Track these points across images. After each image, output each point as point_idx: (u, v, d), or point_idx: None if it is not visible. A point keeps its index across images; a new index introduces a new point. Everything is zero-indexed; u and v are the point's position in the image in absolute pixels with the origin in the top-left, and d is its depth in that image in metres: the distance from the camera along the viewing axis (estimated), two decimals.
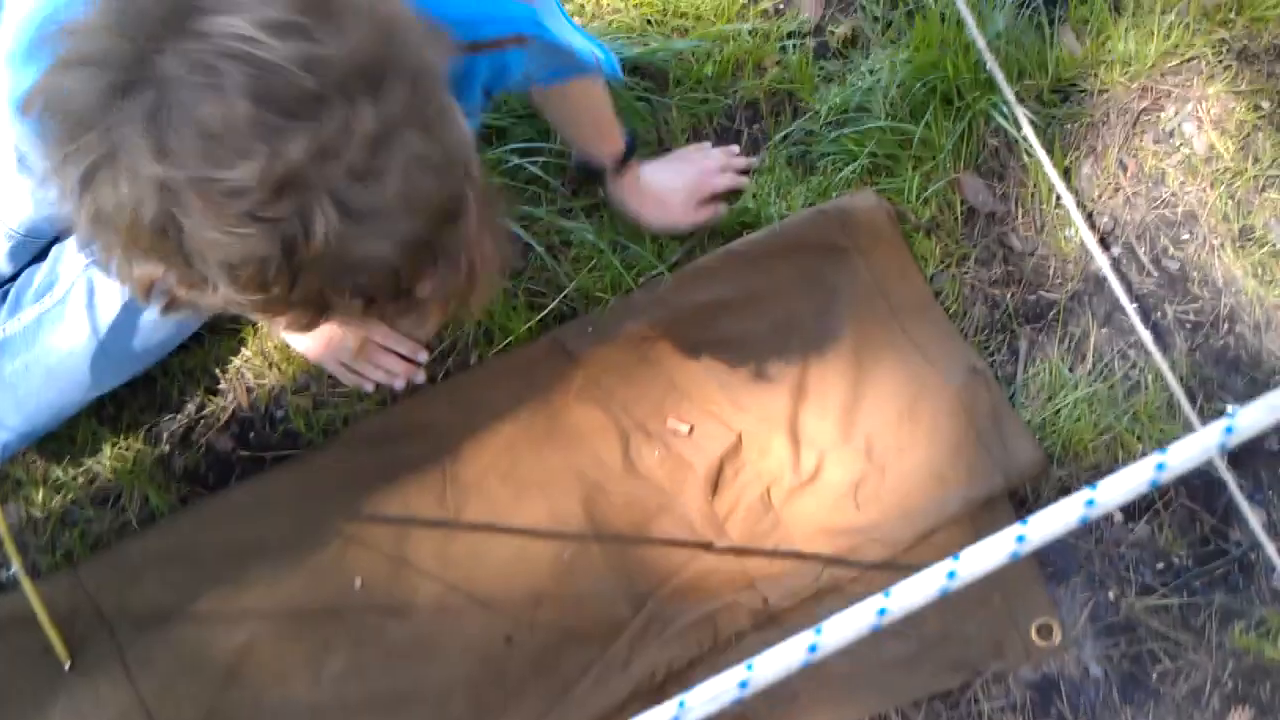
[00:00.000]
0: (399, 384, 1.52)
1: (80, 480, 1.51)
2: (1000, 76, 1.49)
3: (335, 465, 1.51)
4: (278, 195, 0.71)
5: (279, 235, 0.72)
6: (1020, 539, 0.55)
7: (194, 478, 1.52)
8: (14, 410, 1.41)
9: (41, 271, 1.43)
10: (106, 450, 1.51)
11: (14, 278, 1.46)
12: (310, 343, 1.50)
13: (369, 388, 1.52)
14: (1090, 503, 0.56)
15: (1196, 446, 0.58)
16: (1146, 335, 1.52)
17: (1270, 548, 1.43)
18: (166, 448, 1.53)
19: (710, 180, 1.59)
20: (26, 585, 1.39)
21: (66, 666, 1.43)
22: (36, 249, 1.46)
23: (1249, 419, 0.57)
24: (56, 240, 1.45)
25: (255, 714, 1.45)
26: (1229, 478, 1.43)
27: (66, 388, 1.42)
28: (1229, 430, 0.58)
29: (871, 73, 1.65)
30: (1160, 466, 0.56)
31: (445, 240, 0.80)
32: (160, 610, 1.47)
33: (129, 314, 1.41)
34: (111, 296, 1.40)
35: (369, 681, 1.46)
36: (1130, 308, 1.52)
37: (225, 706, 1.45)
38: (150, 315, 1.42)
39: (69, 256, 1.42)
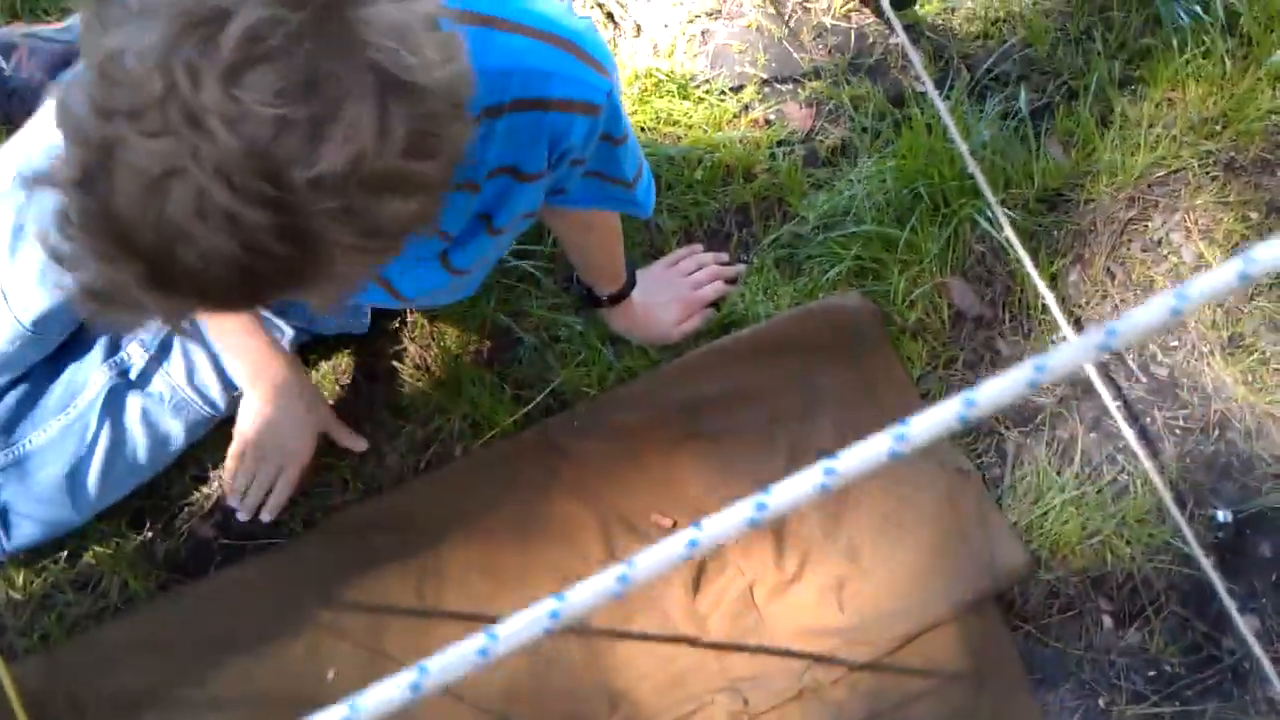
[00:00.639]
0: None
1: (61, 564, 1.51)
2: (983, 181, 1.51)
3: (314, 555, 1.51)
4: None
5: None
6: (900, 437, 0.55)
7: (174, 565, 1.52)
8: (39, 509, 1.47)
9: (61, 383, 1.49)
10: (89, 534, 1.52)
11: (18, 381, 1.51)
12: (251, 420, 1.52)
13: (234, 503, 1.53)
14: (970, 402, 0.55)
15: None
16: (1132, 437, 1.51)
17: (1264, 658, 1.39)
18: (149, 534, 1.53)
19: (698, 294, 1.61)
20: (0, 667, 1.38)
21: None
22: (46, 348, 1.50)
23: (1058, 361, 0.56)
24: (64, 349, 1.52)
25: None
26: (1218, 583, 1.40)
27: (82, 493, 1.49)
28: (1105, 346, 0.57)
29: (859, 180, 1.69)
30: (1039, 368, 0.56)
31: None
32: (133, 697, 1.45)
33: (146, 424, 1.48)
34: (134, 405, 1.46)
35: None
36: (1116, 410, 1.52)
37: None
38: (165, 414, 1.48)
39: (90, 368, 1.48)
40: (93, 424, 1.47)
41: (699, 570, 1.52)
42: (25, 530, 1.47)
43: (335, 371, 1.60)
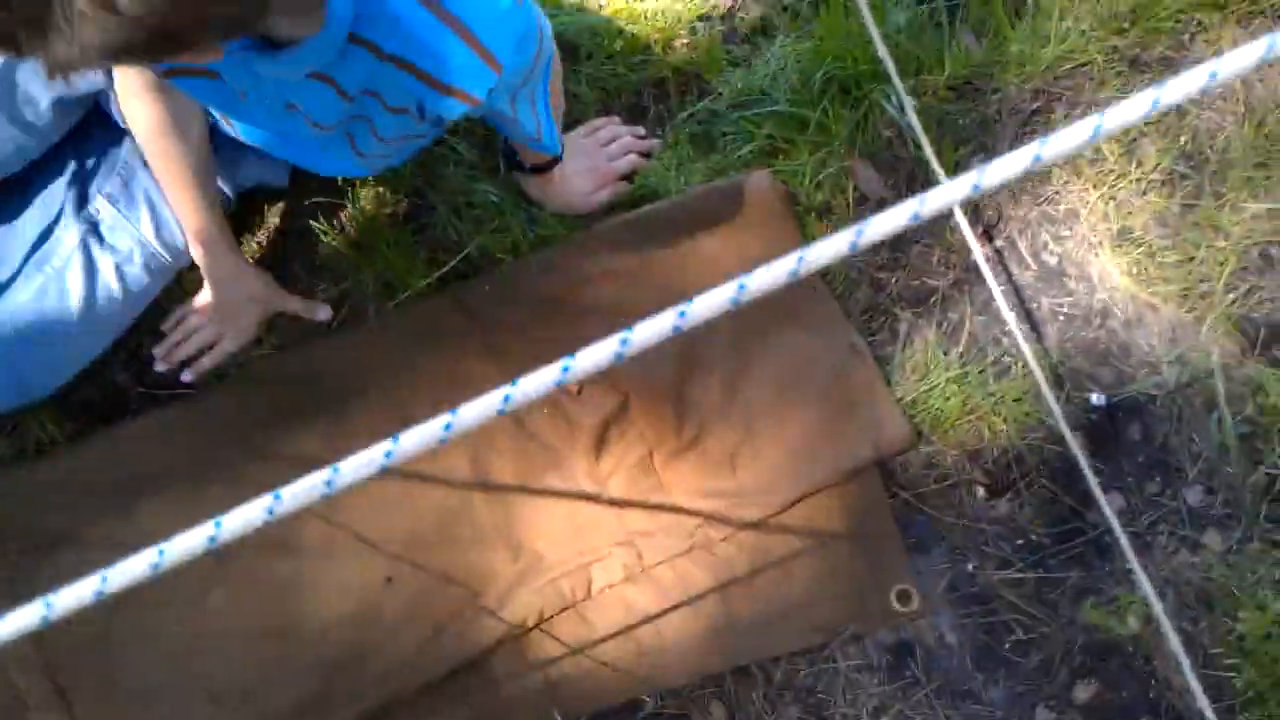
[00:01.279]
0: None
1: None
2: (893, 69, 1.55)
3: (228, 404, 1.57)
4: None
5: None
6: (800, 260, 0.63)
7: (91, 410, 1.57)
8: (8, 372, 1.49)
9: (28, 237, 1.51)
10: None
11: None
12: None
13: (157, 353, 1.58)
14: (860, 232, 0.64)
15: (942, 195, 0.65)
16: (1014, 321, 1.59)
17: (1122, 534, 1.50)
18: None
19: (612, 164, 1.65)
20: None
21: None
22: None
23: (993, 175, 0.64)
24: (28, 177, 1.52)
25: (140, 637, 1.50)
26: (1083, 461, 1.50)
27: (62, 350, 1.51)
28: (976, 188, 0.65)
29: (775, 59, 1.72)
30: (915, 216, 0.63)
31: None
32: (50, 535, 1.51)
33: (121, 282, 1.50)
34: (106, 263, 1.48)
35: (249, 615, 1.51)
36: (1000, 295, 1.59)
37: (114, 629, 1.50)
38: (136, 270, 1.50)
39: (65, 228, 1.49)
40: (70, 285, 1.49)
41: (602, 435, 1.59)
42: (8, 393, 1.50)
43: (253, 227, 1.63)
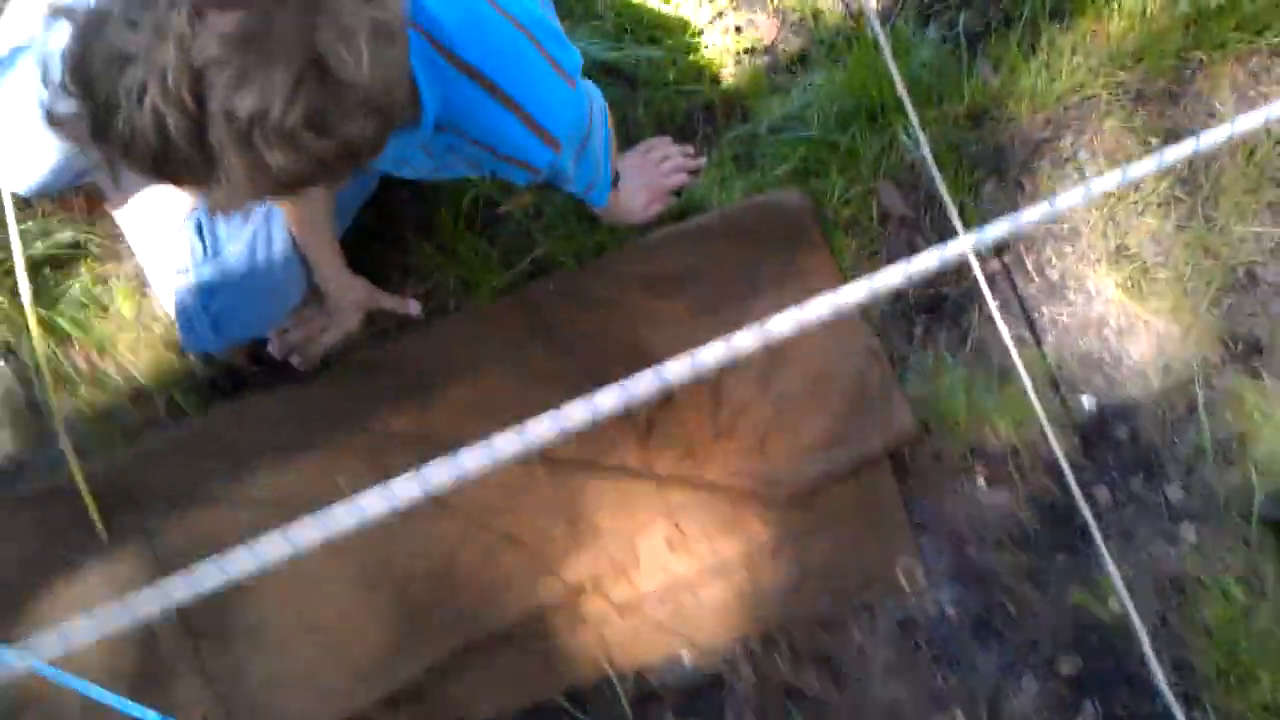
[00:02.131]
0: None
1: (120, 382, 1.81)
2: (910, 107, 1.76)
3: (329, 387, 1.82)
4: None
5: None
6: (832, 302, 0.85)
7: (214, 386, 1.83)
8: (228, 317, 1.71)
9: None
10: (145, 357, 1.82)
11: None
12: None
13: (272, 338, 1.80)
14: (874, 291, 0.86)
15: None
16: (1007, 335, 1.80)
17: (1094, 525, 1.70)
18: (193, 359, 1.83)
19: (664, 180, 1.87)
20: (73, 463, 1.70)
21: (105, 538, 1.74)
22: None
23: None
24: None
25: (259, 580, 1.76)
26: (1063, 459, 1.71)
27: (269, 294, 1.72)
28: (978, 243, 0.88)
29: (811, 88, 1.93)
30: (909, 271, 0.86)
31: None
32: (178, 492, 1.77)
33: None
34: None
35: (344, 561, 1.76)
36: (996, 312, 1.79)
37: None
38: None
39: None
40: (275, 233, 1.66)
41: (650, 422, 1.82)
42: (235, 331, 1.72)
43: (357, 236, 1.87)
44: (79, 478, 1.70)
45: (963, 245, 0.91)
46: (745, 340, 0.93)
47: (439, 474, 0.84)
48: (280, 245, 1.66)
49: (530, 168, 1.37)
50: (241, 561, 0.81)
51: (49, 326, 1.81)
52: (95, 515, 1.74)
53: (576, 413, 0.87)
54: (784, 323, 0.93)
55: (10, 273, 1.82)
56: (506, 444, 0.88)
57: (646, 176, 1.87)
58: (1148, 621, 1.71)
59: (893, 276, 0.91)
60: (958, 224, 1.75)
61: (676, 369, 0.91)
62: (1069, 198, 0.87)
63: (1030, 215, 0.88)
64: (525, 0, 1.33)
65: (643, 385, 0.92)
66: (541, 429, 0.89)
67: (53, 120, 1.00)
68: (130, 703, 1.07)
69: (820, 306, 0.91)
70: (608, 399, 0.89)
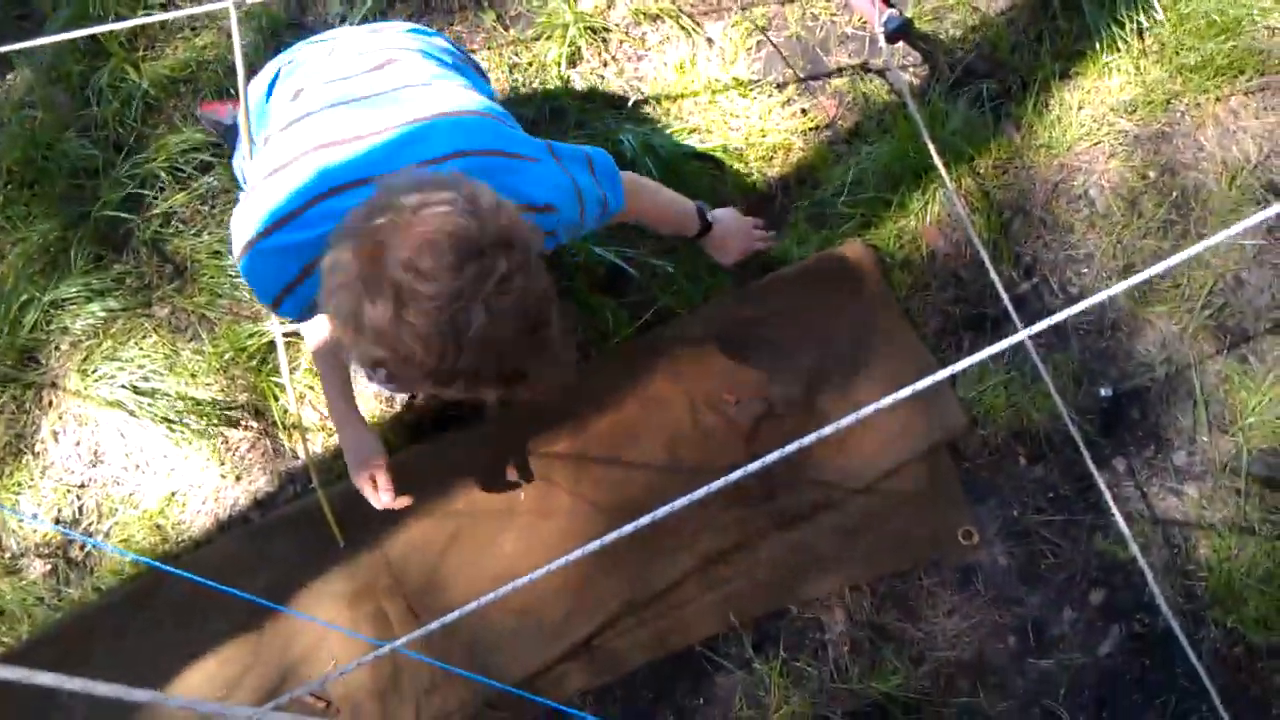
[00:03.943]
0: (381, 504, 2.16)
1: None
2: (943, 170, 2.24)
3: (502, 423, 2.37)
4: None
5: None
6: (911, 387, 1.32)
7: (415, 427, 2.39)
8: None
9: None
10: (363, 408, 2.39)
11: None
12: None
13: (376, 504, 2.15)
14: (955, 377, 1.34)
15: None
16: (1031, 347, 2.26)
17: (1107, 492, 2.15)
18: (399, 406, 2.39)
19: (753, 242, 2.37)
20: (320, 492, 2.27)
21: (341, 544, 2.31)
22: None
23: None
24: None
25: (464, 567, 2.31)
26: (1080, 440, 2.17)
27: None
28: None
29: (867, 156, 2.42)
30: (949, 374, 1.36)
31: (541, 336, 1.40)
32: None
33: None
34: None
35: (533, 549, 2.30)
36: (1021, 328, 2.26)
37: (444, 565, 2.32)
38: None
39: None
40: None
41: (754, 431, 2.32)
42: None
43: None
44: (325, 503, 2.26)
45: (1016, 337, 1.38)
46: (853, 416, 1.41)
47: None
48: None
49: (547, 206, 1.65)
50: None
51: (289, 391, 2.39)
52: (336, 530, 2.30)
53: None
54: (871, 391, 1.40)
55: (254, 353, 2.41)
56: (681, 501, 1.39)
57: (742, 232, 2.37)
58: (1160, 560, 2.17)
59: (959, 364, 1.40)
60: (985, 257, 2.22)
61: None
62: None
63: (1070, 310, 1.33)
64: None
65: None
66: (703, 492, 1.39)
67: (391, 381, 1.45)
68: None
69: (903, 391, 1.39)
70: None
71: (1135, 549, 2.08)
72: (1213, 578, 2.16)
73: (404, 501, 2.13)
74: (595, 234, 2.35)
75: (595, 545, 1.32)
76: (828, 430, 1.40)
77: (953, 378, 2.33)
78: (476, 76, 2.04)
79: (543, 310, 1.37)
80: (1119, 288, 1.43)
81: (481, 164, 1.57)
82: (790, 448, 1.36)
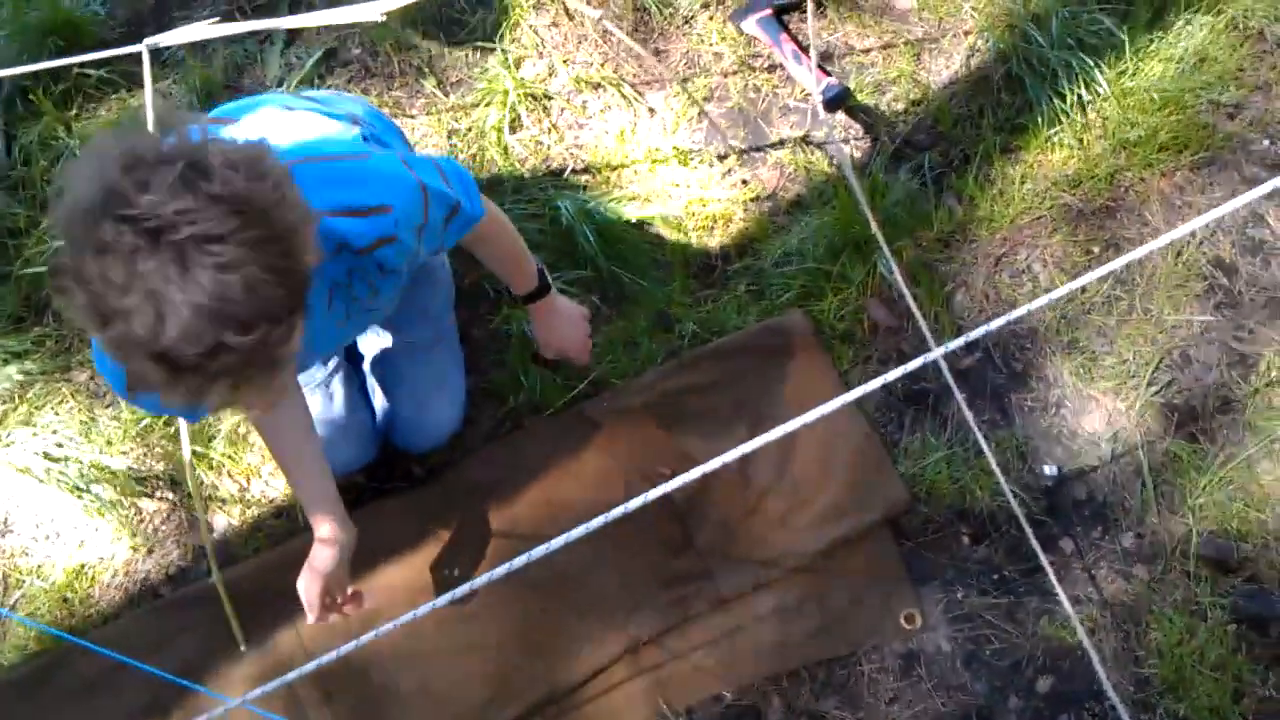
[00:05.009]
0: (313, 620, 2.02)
1: (264, 499, 2.28)
2: (883, 242, 2.19)
3: (434, 493, 2.27)
4: None
5: None
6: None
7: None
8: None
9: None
10: (283, 482, 2.29)
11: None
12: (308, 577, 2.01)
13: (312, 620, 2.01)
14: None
15: None
16: (973, 421, 2.20)
17: (1051, 573, 2.07)
18: None
19: (581, 334, 2.24)
20: (221, 589, 2.15)
21: (243, 648, 2.20)
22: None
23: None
24: None
25: (382, 648, 2.20)
26: (1023, 520, 2.10)
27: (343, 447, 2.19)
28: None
29: (808, 227, 2.37)
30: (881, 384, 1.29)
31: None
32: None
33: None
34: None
35: (453, 632, 2.19)
36: (961, 400, 2.19)
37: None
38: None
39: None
40: (334, 390, 2.16)
41: (689, 503, 2.24)
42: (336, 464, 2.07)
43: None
44: (225, 598, 2.14)
45: (930, 356, 1.31)
46: (764, 437, 1.34)
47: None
48: (339, 404, 2.15)
49: (384, 239, 1.61)
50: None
51: (206, 460, 2.29)
52: (237, 628, 2.19)
53: (633, 503, 1.30)
54: (793, 423, 1.34)
55: (171, 421, 2.32)
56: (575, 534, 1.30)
57: (574, 323, 2.22)
58: (1109, 645, 2.09)
59: (871, 385, 1.33)
60: (927, 333, 2.17)
61: (710, 463, 1.33)
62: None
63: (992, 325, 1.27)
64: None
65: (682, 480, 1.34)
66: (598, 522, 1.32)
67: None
68: None
69: (819, 410, 1.32)
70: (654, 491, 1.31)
71: (1083, 634, 2.00)
72: (1164, 664, 2.08)
73: (350, 610, 2.04)
74: None
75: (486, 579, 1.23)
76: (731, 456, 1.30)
77: (893, 455, 2.26)
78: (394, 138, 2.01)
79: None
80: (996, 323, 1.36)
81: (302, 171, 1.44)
82: (694, 473, 1.27)
